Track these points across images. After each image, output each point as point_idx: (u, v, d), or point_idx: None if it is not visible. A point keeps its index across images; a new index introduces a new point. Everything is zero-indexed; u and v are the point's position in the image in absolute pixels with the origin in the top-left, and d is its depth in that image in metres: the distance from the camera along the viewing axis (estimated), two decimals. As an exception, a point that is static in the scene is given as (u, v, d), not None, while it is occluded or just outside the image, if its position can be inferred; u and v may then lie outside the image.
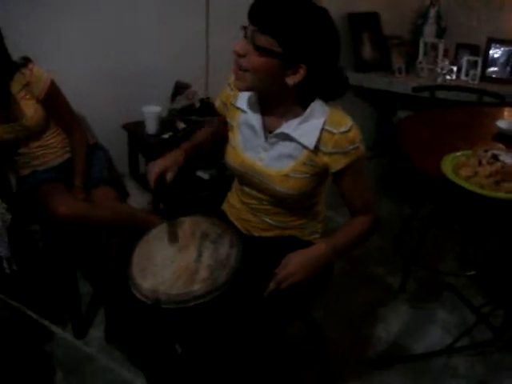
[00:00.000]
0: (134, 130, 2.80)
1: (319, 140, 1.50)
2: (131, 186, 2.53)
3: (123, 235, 2.22)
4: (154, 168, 1.63)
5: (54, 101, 2.25)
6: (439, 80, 3.41)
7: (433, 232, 2.89)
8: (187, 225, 1.67)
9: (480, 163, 1.74)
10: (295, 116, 1.52)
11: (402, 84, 3.36)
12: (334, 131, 1.47)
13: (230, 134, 1.71)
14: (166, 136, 2.59)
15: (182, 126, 2.58)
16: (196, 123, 2.51)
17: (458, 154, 1.86)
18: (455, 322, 2.51)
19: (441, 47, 3.56)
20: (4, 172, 2.38)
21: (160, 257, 1.57)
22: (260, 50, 1.38)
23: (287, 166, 1.56)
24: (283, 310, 1.54)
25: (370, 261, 2.95)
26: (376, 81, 3.44)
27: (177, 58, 2.90)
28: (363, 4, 3.55)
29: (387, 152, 3.71)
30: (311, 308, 1.80)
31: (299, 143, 1.52)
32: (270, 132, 1.58)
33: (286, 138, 1.54)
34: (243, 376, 1.51)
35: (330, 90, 1.52)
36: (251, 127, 1.61)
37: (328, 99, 1.53)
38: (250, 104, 1.60)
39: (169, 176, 1.64)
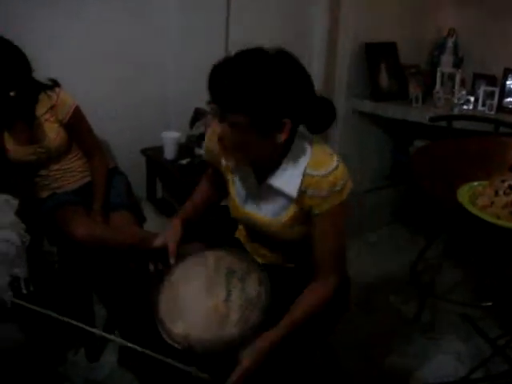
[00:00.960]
0: (153, 155, 2.84)
1: (301, 185, 1.45)
2: (148, 211, 2.56)
3: (140, 260, 2.24)
4: (156, 243, 1.71)
5: (77, 126, 2.29)
6: (456, 110, 3.41)
7: (448, 262, 2.88)
8: (211, 260, 1.61)
9: (496, 193, 1.75)
10: (279, 164, 1.48)
11: (418, 113, 3.36)
12: (314, 174, 1.42)
13: (228, 186, 1.68)
14: (183, 162, 2.62)
15: (199, 152, 2.60)
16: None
17: (475, 183, 1.86)
18: (470, 353, 2.48)
19: (458, 77, 3.57)
20: (23, 194, 2.41)
21: (188, 298, 1.53)
22: (234, 126, 1.33)
23: (284, 215, 1.53)
24: (304, 343, 1.53)
25: (385, 289, 2.93)
26: (392, 110, 3.44)
27: (196, 85, 2.91)
28: (380, 34, 3.57)
29: (403, 181, 3.71)
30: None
31: (284, 193, 1.49)
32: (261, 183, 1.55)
33: (273, 188, 1.51)
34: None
35: (318, 122, 1.47)
36: (245, 180, 1.59)
37: (318, 132, 1.49)
38: None
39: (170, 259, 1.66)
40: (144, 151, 2.86)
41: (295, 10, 3.20)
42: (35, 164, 2.30)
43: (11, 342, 1.80)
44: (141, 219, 2.45)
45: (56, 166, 2.34)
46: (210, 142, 1.63)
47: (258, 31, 3.07)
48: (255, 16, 3.04)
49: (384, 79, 3.58)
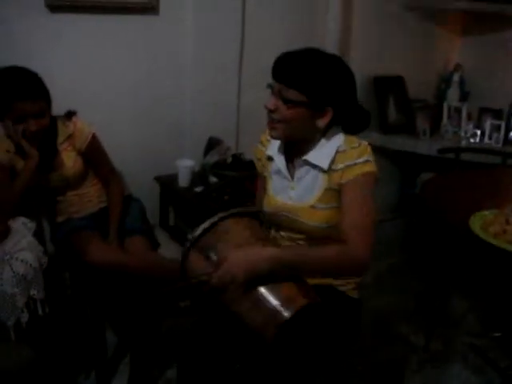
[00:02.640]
0: (167, 182, 2.87)
1: (333, 161, 1.60)
2: (162, 237, 2.58)
3: (154, 285, 2.26)
4: None
5: (94, 153, 2.34)
6: (463, 143, 3.47)
7: (456, 293, 2.89)
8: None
9: (508, 222, 1.79)
10: (314, 147, 1.64)
11: (426, 146, 3.42)
12: (346, 149, 1.60)
13: (266, 185, 1.82)
14: (198, 190, 2.65)
15: (213, 180, 2.64)
16: (228, 178, 2.59)
17: (486, 212, 1.90)
18: (480, 382, 2.47)
19: (464, 111, 3.64)
20: (39, 218, 2.44)
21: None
22: (288, 103, 1.53)
23: (312, 196, 1.65)
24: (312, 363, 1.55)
25: (394, 319, 2.94)
26: (401, 143, 3.50)
27: (210, 115, 2.99)
28: (389, 68, 3.65)
29: (410, 213, 3.74)
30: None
31: (317, 167, 1.63)
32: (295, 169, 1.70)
33: (306, 165, 1.65)
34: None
35: (354, 124, 1.66)
36: (279, 172, 1.73)
37: (353, 133, 1.66)
38: (277, 150, 1.73)
39: None
40: (158, 178, 2.89)
41: (306, 39, 3.19)
42: (53, 190, 2.33)
43: (23, 360, 1.81)
44: (155, 245, 2.47)
45: (73, 192, 2.37)
46: (259, 147, 1.85)
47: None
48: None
49: (392, 112, 3.64)
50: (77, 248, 2.24)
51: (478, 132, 3.55)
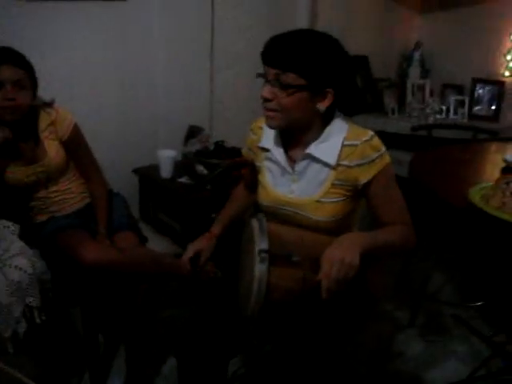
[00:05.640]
0: (146, 174, 2.80)
1: (340, 155, 1.53)
2: (146, 231, 2.52)
3: (149, 280, 2.21)
4: (188, 251, 1.88)
5: (75, 143, 2.25)
6: (431, 119, 3.53)
7: (432, 264, 2.93)
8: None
9: (504, 194, 1.82)
10: (316, 138, 1.56)
11: (396, 124, 3.46)
12: (356, 142, 1.52)
13: (260, 176, 1.74)
14: (183, 180, 2.60)
15: (200, 169, 2.58)
16: (220, 167, 2.54)
17: (484, 185, 1.93)
18: (468, 352, 2.53)
19: (427, 88, 3.71)
20: (21, 219, 2.32)
21: None
22: (287, 88, 1.45)
23: (318, 191, 1.58)
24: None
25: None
26: (371, 122, 3.51)
27: (186, 102, 2.97)
28: (352, 47, 3.64)
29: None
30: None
31: (322, 162, 1.56)
32: (295, 162, 1.62)
33: (310, 159, 1.58)
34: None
35: (353, 105, 1.59)
36: (277, 163, 1.65)
37: (352, 114, 1.60)
38: (274, 141, 1.65)
39: (201, 261, 1.89)
40: (136, 171, 2.82)
41: (276, 22, 3.19)
42: (34, 186, 2.22)
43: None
44: (142, 239, 2.41)
45: (54, 188, 2.26)
46: (251, 135, 1.77)
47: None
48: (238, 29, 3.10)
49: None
50: (66, 249, 2.13)
51: (444, 108, 3.62)
